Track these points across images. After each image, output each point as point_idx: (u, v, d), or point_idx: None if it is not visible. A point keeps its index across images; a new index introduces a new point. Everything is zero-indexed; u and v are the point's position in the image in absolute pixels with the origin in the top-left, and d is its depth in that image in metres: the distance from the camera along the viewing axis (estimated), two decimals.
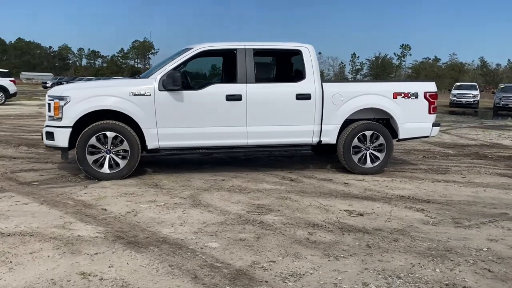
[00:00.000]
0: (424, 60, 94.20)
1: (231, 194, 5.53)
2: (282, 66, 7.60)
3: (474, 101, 30.70)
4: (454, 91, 32.23)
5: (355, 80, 68.16)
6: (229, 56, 6.94)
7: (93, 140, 6.02)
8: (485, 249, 3.85)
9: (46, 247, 3.69)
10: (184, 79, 6.40)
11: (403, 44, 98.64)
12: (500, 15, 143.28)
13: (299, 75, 6.73)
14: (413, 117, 6.93)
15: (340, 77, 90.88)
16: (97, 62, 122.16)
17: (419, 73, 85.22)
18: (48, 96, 6.28)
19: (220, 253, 3.63)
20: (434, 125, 7.10)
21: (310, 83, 6.57)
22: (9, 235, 3.92)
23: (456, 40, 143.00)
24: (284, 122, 6.51)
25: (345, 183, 6.27)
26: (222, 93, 6.31)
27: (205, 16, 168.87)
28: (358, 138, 6.78)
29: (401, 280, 3.22)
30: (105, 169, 6.11)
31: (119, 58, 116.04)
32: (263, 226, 4.32)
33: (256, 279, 3.18)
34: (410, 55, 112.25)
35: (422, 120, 7.00)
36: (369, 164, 6.86)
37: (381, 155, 6.88)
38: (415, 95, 6.90)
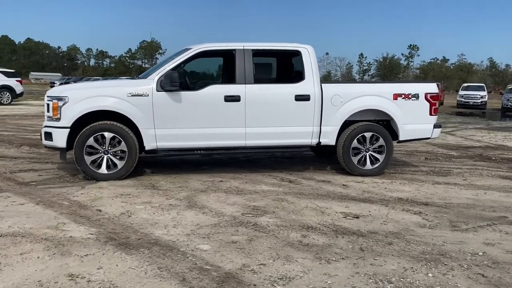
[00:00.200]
0: (432, 60, 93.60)
1: (228, 195, 5.50)
2: (282, 67, 7.56)
3: (481, 102, 30.43)
4: (461, 92, 31.97)
5: (358, 81, 67.98)
6: (228, 56, 6.91)
7: (91, 141, 6.02)
8: (480, 254, 3.79)
9: (36, 248, 3.68)
10: (183, 80, 6.38)
11: (411, 45, 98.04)
12: (510, 15, 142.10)
13: (298, 76, 6.69)
14: (414, 119, 6.86)
15: (348, 78, 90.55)
16: (105, 62, 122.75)
17: (427, 73, 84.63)
18: (47, 96, 6.30)
19: (210, 256, 3.60)
20: (435, 126, 7.02)
21: (309, 84, 6.52)
22: (1, 236, 3.92)
23: (465, 41, 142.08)
24: (283, 123, 6.46)
25: (343, 185, 6.22)
26: (221, 93, 6.29)
27: (213, 16, 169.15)
28: (358, 140, 6.72)
29: (392, 284, 3.17)
30: (103, 169, 6.10)
31: (127, 58, 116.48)
32: (257, 228, 4.29)
33: (245, 283, 3.15)
34: (418, 55, 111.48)
35: (423, 121, 6.93)
36: (368, 165, 6.80)
37: (381, 157, 6.82)
38: (416, 96, 6.82)
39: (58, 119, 6.04)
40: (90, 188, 5.69)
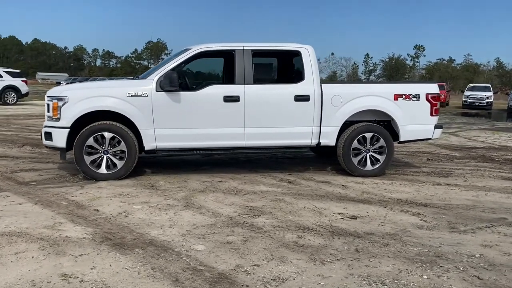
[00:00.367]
0: (438, 61, 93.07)
1: (226, 195, 5.50)
2: (281, 67, 7.55)
3: (487, 102, 30.25)
4: (467, 93, 31.79)
5: (363, 81, 67.74)
6: (228, 57, 6.91)
7: (90, 141, 6.04)
8: (477, 255, 3.76)
9: (32, 247, 3.69)
10: (182, 80, 6.39)
11: (416, 45, 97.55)
12: None
13: (298, 76, 6.67)
14: (415, 119, 6.82)
15: (353, 78, 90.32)
16: (111, 63, 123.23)
17: (433, 74, 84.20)
18: (47, 96, 6.33)
19: (205, 256, 3.60)
20: (436, 127, 6.98)
21: (309, 84, 6.50)
22: None
23: (471, 41, 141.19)
24: (282, 123, 6.45)
25: (343, 185, 6.20)
26: (220, 94, 6.28)
27: (219, 17, 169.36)
28: (358, 140, 6.69)
29: (386, 286, 3.15)
30: (103, 169, 6.12)
31: (133, 58, 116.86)
32: (253, 229, 4.28)
33: (237, 283, 3.14)
34: (424, 56, 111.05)
35: (424, 122, 6.89)
36: (369, 166, 6.77)
37: (381, 158, 6.78)
38: (417, 96, 6.79)
39: (58, 119, 6.06)
40: (89, 188, 5.70)
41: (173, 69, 6.19)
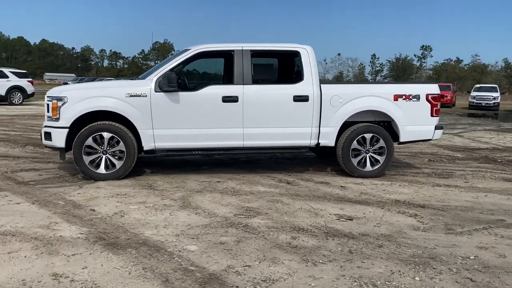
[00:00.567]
0: (445, 61, 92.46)
1: (223, 196, 5.49)
2: (280, 68, 7.54)
3: (494, 103, 30.01)
4: (473, 93, 31.55)
5: (370, 81, 67.47)
6: (227, 57, 6.91)
7: (89, 141, 6.06)
8: (472, 257, 3.72)
9: (25, 247, 3.71)
10: (181, 80, 6.39)
11: (423, 45, 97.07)
12: None
13: (297, 77, 6.66)
14: (415, 120, 6.78)
15: (360, 78, 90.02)
16: (118, 63, 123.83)
17: (441, 74, 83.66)
18: (47, 96, 6.36)
19: (197, 257, 3.60)
20: (436, 128, 6.92)
21: (308, 84, 6.49)
22: None
23: (479, 41, 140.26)
24: (281, 124, 6.44)
25: (341, 186, 6.17)
26: (219, 94, 6.28)
27: (226, 17, 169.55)
28: (358, 141, 6.66)
29: (377, 287, 3.14)
30: (101, 169, 6.14)
31: (140, 59, 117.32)
32: (247, 229, 4.27)
33: (227, 284, 3.13)
34: (431, 56, 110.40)
35: (424, 122, 6.84)
36: (368, 167, 6.74)
37: (381, 158, 6.75)
38: (417, 97, 6.74)
39: (57, 119, 6.09)
40: (88, 188, 5.73)
41: (171, 70, 6.20)
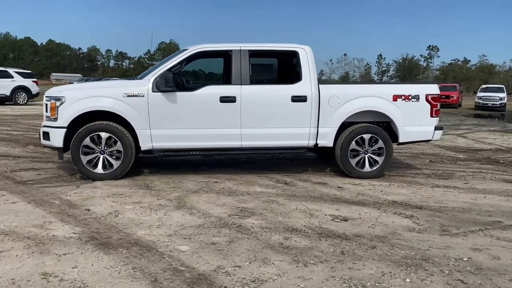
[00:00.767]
0: (453, 61, 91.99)
1: (219, 196, 5.48)
2: (279, 68, 7.52)
3: (500, 104, 29.75)
4: (479, 94, 31.31)
5: (375, 80, 67.19)
6: (225, 57, 6.91)
7: (87, 141, 6.08)
8: (465, 259, 3.69)
9: (17, 246, 3.72)
10: (179, 80, 6.39)
11: (430, 45, 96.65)
12: None
13: (295, 77, 6.64)
14: (414, 120, 6.73)
15: (366, 79, 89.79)
16: (124, 64, 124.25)
17: (447, 75, 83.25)
18: (46, 96, 6.39)
19: (187, 257, 3.59)
20: (436, 128, 6.87)
21: (306, 85, 6.46)
22: None
23: (486, 41, 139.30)
24: (279, 124, 6.42)
25: (339, 187, 6.14)
26: (216, 94, 6.28)
27: (232, 17, 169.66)
28: (356, 142, 6.63)
29: None
30: (99, 169, 6.15)
31: (146, 59, 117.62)
32: (240, 230, 4.26)
33: (216, 284, 3.12)
34: (438, 56, 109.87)
35: (424, 123, 6.79)
36: (367, 168, 6.70)
37: (380, 159, 6.71)
38: (416, 97, 6.70)
39: (56, 119, 6.11)
40: (85, 188, 5.74)
41: (169, 70, 6.20)
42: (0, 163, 7.22)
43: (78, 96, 6.14)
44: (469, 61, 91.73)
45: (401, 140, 6.83)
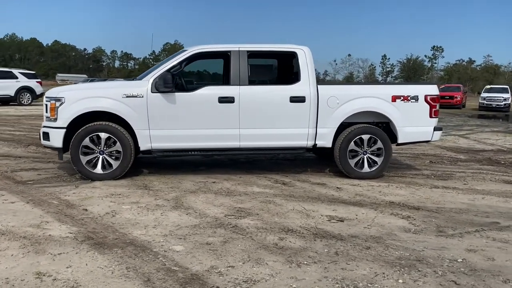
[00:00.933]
0: (457, 62, 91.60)
1: (217, 196, 5.50)
2: (277, 68, 7.53)
3: (505, 104, 29.58)
4: (483, 94, 31.16)
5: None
6: (224, 58, 6.92)
7: (86, 141, 6.11)
8: (459, 260, 3.68)
9: (13, 246, 3.75)
10: (178, 81, 6.41)
11: (434, 46, 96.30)
12: None
13: (294, 77, 6.64)
14: (413, 121, 6.72)
15: (370, 79, 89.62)
16: (129, 64, 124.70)
17: (452, 75, 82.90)
18: (46, 97, 6.43)
19: (181, 257, 3.60)
20: (435, 129, 6.85)
21: (305, 85, 6.47)
22: None
23: (491, 42, 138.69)
24: (277, 125, 6.43)
25: (337, 187, 6.14)
26: (215, 95, 6.29)
27: (238, 18, 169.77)
28: (355, 142, 6.62)
29: None
30: (98, 169, 6.19)
31: (151, 60, 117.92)
32: (235, 230, 4.27)
33: (208, 284, 3.14)
34: (443, 57, 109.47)
35: (423, 124, 6.78)
36: (366, 168, 6.69)
37: (379, 160, 6.70)
38: (415, 98, 6.69)
39: (55, 120, 6.15)
40: (83, 188, 5.77)
41: (168, 70, 6.22)
42: (1, 163, 7.27)
43: (77, 97, 6.17)
44: (474, 61, 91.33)
45: (400, 140, 6.82)
